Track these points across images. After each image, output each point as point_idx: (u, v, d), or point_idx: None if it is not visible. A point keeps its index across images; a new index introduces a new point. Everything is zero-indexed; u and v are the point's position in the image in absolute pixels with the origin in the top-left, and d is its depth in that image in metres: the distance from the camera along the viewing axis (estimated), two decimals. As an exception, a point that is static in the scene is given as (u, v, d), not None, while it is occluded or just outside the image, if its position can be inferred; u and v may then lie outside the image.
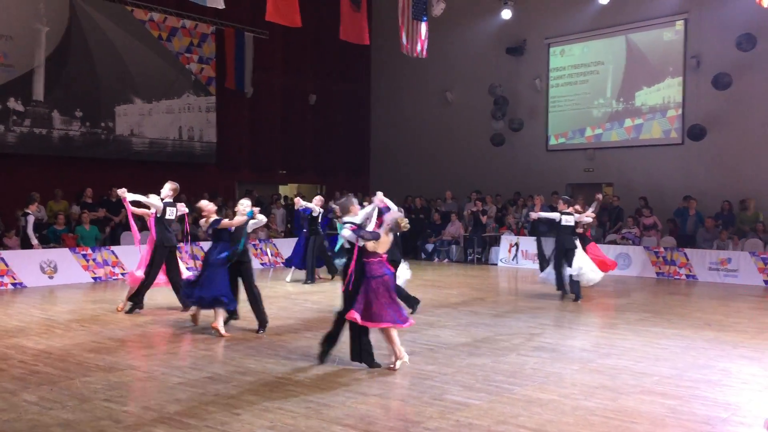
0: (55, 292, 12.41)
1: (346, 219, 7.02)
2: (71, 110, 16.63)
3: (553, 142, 20.12)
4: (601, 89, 19.17)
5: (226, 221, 8.70)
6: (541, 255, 13.51)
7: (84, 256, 13.87)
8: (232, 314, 8.78)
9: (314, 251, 13.46)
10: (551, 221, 11.99)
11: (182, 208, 10.36)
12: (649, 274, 15.27)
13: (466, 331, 8.98)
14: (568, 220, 11.57)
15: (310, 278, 13.52)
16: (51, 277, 13.31)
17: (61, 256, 13.58)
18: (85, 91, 16.87)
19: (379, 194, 7.26)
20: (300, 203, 13.24)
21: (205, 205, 8.90)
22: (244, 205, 8.74)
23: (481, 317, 9.96)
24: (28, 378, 6.44)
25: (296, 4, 13.18)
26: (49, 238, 14.27)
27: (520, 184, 19.86)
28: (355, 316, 6.61)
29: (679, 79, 17.75)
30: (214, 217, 8.78)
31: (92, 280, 13.82)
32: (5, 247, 13.46)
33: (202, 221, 8.79)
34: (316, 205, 13.41)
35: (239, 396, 5.88)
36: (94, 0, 16.92)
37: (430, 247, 18.88)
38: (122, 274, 14.22)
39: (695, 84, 17.42)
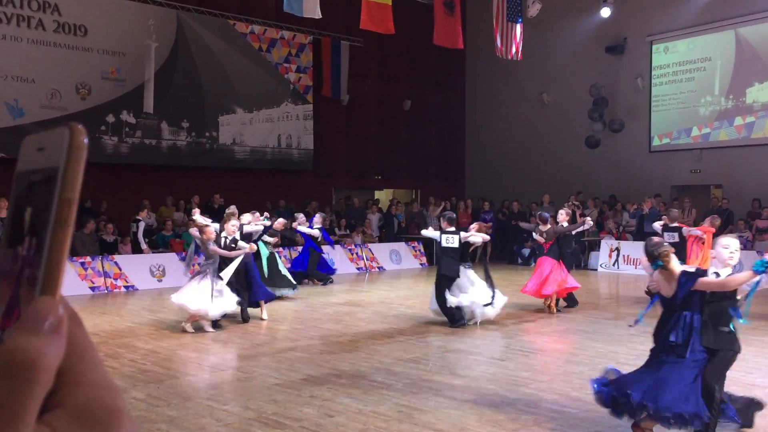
0: (164, 295, 13.00)
1: None
2: (178, 121, 17.44)
3: (656, 142, 19.35)
4: (709, 86, 18.28)
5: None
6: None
7: (190, 260, 14.49)
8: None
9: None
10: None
11: None
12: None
13: (563, 337, 8.78)
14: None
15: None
16: (160, 281, 13.99)
17: (169, 260, 14.26)
18: (191, 103, 17.65)
19: None
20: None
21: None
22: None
23: (579, 324, 9.71)
24: (137, 376, 6.79)
25: (390, 11, 13.35)
26: (158, 243, 15.01)
27: (622, 186, 19.21)
28: None
29: (795, 73, 16.72)
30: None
31: (197, 284, 14.41)
32: (119, 252, 14.27)
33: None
34: (317, 223, 13.77)
35: (334, 399, 5.99)
36: (199, 15, 17.71)
37: (526, 251, 18.55)
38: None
39: (813, 78, 16.35)
